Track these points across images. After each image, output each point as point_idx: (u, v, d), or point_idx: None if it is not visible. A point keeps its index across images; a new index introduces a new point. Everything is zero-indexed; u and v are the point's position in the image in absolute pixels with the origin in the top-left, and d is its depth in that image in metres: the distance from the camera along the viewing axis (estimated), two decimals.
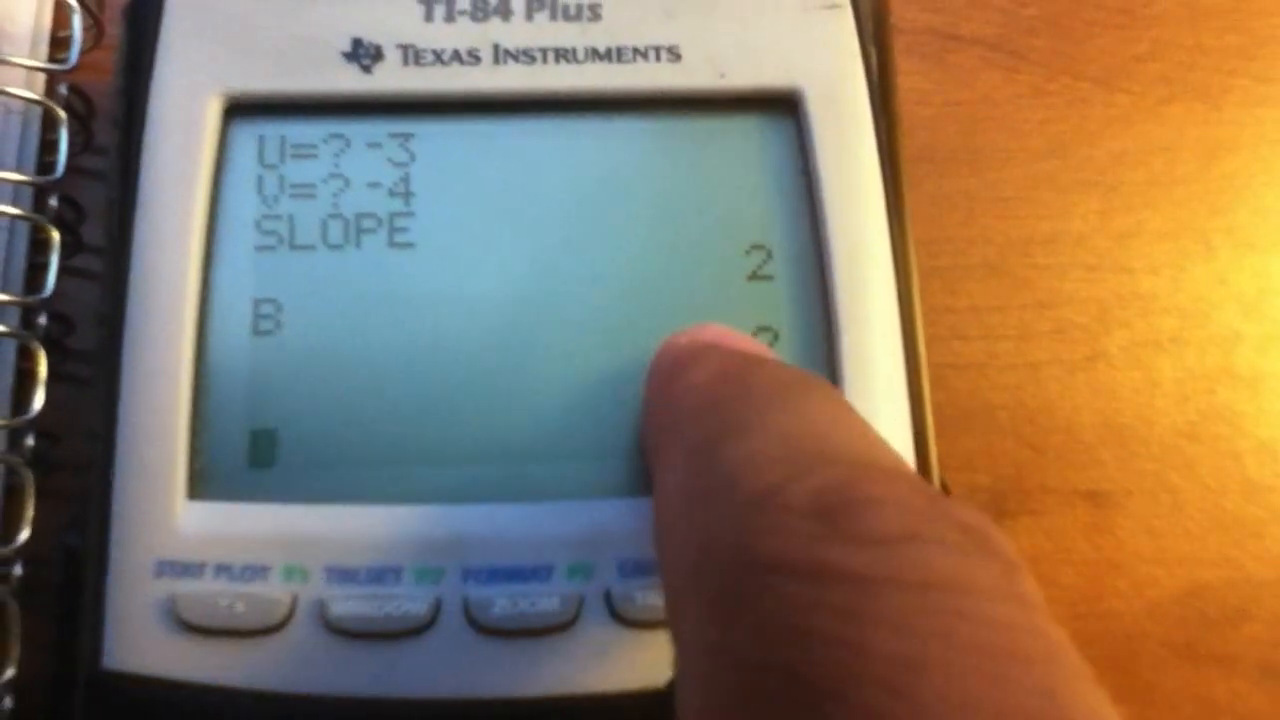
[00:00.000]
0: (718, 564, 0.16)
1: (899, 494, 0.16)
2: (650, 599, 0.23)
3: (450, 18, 0.27)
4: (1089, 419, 0.31)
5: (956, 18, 0.35)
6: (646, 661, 0.23)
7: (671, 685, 0.22)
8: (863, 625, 0.14)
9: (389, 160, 0.26)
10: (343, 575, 0.23)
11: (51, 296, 0.27)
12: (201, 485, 0.24)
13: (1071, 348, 0.32)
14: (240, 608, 0.22)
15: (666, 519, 0.19)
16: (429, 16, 0.27)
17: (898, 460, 0.18)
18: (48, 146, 0.29)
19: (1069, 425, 0.31)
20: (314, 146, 0.26)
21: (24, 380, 0.27)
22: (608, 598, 0.23)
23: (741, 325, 0.25)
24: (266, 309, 0.25)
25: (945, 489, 0.25)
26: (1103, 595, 0.30)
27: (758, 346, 0.23)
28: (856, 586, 0.15)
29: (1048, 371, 0.32)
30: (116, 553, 0.23)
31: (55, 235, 0.27)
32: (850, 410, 0.20)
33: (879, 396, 0.25)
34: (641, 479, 0.24)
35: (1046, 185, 0.34)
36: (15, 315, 0.27)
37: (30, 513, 0.26)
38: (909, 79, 0.34)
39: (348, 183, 0.26)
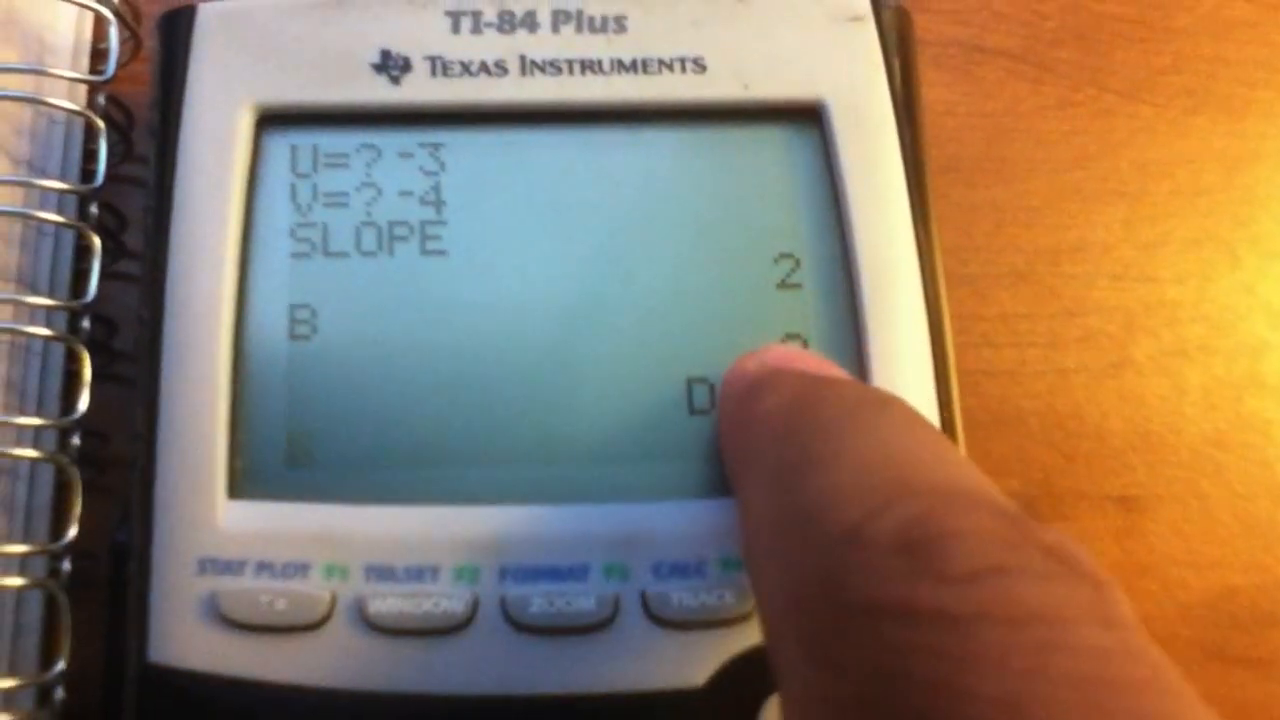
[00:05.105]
0: (809, 607, 0.17)
1: (981, 523, 0.16)
2: (686, 601, 0.23)
3: (477, 30, 0.28)
4: (1118, 426, 0.32)
5: (982, 30, 0.36)
6: (683, 661, 0.23)
7: (710, 683, 0.23)
8: (956, 666, 0.15)
9: (420, 169, 0.27)
10: (382, 573, 0.23)
11: (95, 301, 0.28)
12: (242, 485, 0.24)
13: (1100, 355, 0.33)
14: (281, 605, 0.23)
15: (754, 551, 0.20)
16: (456, 29, 0.28)
17: (976, 480, 0.18)
18: (89, 155, 0.30)
19: (1099, 431, 0.32)
20: (346, 156, 0.27)
21: (72, 381, 0.28)
22: (644, 599, 0.23)
23: (771, 332, 0.26)
24: (302, 314, 0.26)
25: None
26: (1135, 598, 0.29)
27: (826, 365, 0.23)
28: (947, 625, 0.15)
29: (1077, 379, 0.32)
30: (160, 550, 0.24)
31: (97, 241, 0.28)
32: (925, 427, 0.20)
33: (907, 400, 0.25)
34: (675, 482, 0.25)
35: (1072, 195, 0.34)
36: (62, 319, 0.28)
37: (78, 510, 0.27)
38: (935, 90, 0.35)
39: (380, 191, 0.27)
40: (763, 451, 0.21)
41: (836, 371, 0.23)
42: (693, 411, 0.26)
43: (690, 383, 0.26)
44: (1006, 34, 0.36)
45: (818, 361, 0.24)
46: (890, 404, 0.21)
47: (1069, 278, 0.34)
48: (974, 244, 0.33)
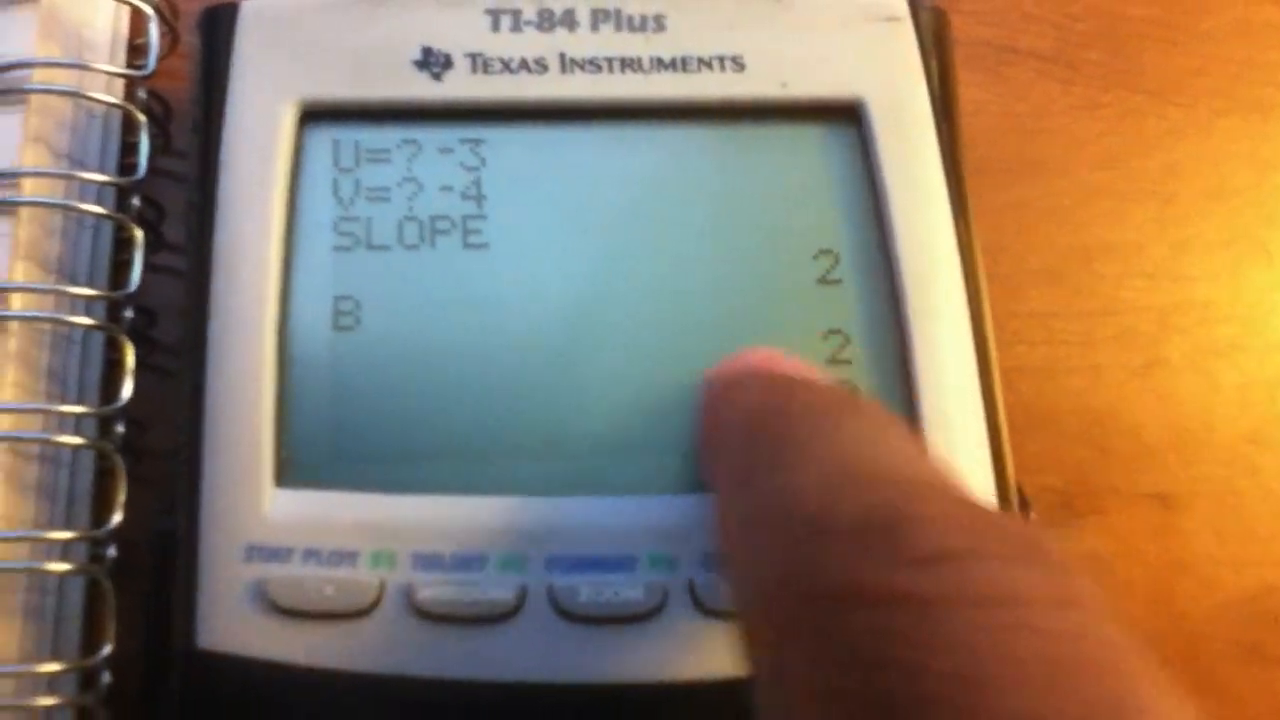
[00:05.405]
0: (780, 597, 0.17)
1: (944, 510, 0.17)
2: None
3: (517, 28, 0.28)
4: (1153, 423, 0.32)
5: (1012, 31, 0.37)
6: (732, 650, 0.24)
7: None
8: (922, 648, 0.15)
9: (460, 165, 0.28)
10: (429, 562, 0.24)
11: (137, 291, 0.28)
12: (288, 473, 0.25)
13: (1133, 353, 0.33)
14: (329, 591, 0.23)
15: (726, 547, 0.20)
16: (496, 27, 0.28)
17: (942, 475, 0.19)
18: (126, 149, 0.31)
19: (1133, 429, 0.32)
20: (387, 151, 0.28)
21: (111, 371, 0.29)
22: (692, 588, 0.24)
23: (812, 328, 0.27)
24: (346, 306, 0.26)
25: (1021, 493, 0.26)
26: (1172, 595, 0.31)
27: (804, 369, 0.24)
28: (913, 608, 0.15)
29: (1110, 376, 0.33)
30: (207, 537, 0.24)
31: (139, 234, 0.29)
32: (892, 428, 0.20)
33: (952, 397, 0.26)
34: None
35: (1103, 195, 0.35)
36: (102, 309, 0.29)
37: (123, 496, 0.27)
38: (966, 91, 0.34)
39: (421, 186, 0.27)
40: (734, 450, 0.21)
41: (814, 374, 0.24)
42: None
43: None
44: (1037, 35, 0.37)
45: (798, 365, 0.24)
46: (861, 408, 0.21)
47: (1101, 277, 0.34)
48: (1005, 243, 0.34)
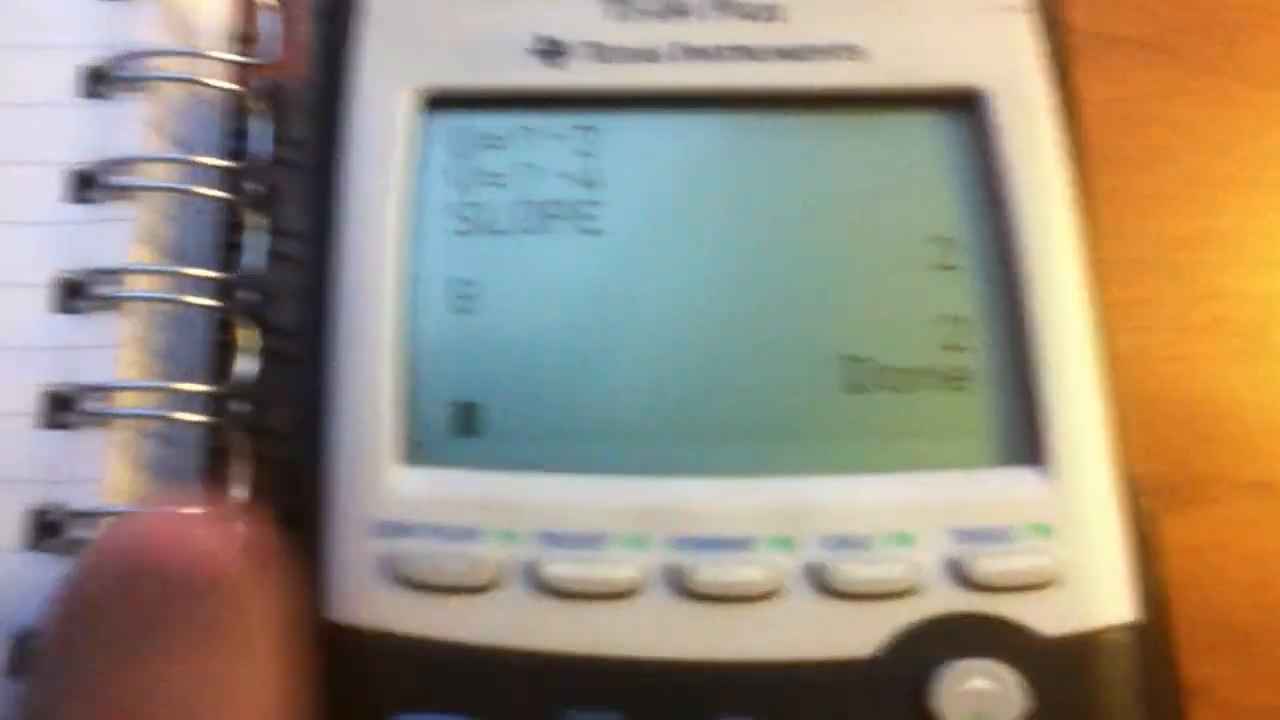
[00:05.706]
0: None
1: None
2: (855, 573, 0.24)
3: (634, 17, 0.29)
4: (1253, 411, 0.32)
5: (1105, 17, 0.36)
6: (853, 632, 0.24)
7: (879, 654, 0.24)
8: None
9: (575, 151, 0.28)
10: (552, 539, 0.24)
11: (256, 273, 0.29)
12: (411, 452, 0.25)
13: (1233, 341, 0.33)
14: (454, 566, 0.24)
15: None
16: (612, 16, 0.29)
17: None
18: (236, 136, 0.32)
19: (1234, 417, 0.32)
20: (503, 138, 0.28)
21: (221, 352, 0.30)
22: (811, 570, 0.24)
23: (926, 313, 0.27)
24: (464, 289, 0.27)
25: (1135, 482, 0.26)
26: (1275, 585, 0.31)
27: (185, 544, 0.20)
28: None
29: (1210, 364, 0.33)
30: (332, 514, 0.25)
31: (257, 218, 0.30)
32: (221, 657, 0.19)
33: (1073, 385, 0.26)
34: (831, 458, 0.26)
35: (1200, 182, 0.35)
36: (213, 292, 0.30)
37: (247, 473, 0.28)
38: None
39: (536, 172, 0.28)
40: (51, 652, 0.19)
41: (197, 550, 0.20)
42: (847, 390, 0.26)
43: (844, 361, 0.27)
44: (1132, 22, 0.37)
45: (179, 540, 0.20)
46: (191, 629, 0.19)
47: (1198, 263, 0.34)
48: (1103, 230, 0.34)
